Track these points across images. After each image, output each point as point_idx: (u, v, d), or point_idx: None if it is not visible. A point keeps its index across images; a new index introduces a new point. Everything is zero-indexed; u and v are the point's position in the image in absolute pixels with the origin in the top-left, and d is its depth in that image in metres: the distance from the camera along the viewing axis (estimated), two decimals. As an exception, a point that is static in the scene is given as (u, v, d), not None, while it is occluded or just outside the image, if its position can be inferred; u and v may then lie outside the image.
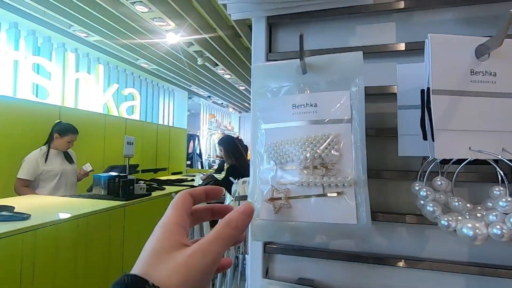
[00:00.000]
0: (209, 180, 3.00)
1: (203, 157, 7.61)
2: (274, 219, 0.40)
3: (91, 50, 4.35)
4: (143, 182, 2.87)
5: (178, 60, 4.67)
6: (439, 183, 0.40)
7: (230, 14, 0.62)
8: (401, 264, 0.54)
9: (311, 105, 0.40)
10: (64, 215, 1.80)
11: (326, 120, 0.40)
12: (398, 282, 0.55)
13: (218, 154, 7.34)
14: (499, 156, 0.33)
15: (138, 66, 5.05)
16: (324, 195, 0.38)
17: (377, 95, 0.56)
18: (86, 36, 3.81)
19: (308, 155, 0.39)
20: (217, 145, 5.52)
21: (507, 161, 0.33)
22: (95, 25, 3.32)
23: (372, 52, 0.57)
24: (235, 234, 0.27)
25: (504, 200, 0.32)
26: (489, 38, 0.34)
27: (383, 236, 0.56)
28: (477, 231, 0.32)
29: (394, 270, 0.55)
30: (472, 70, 0.35)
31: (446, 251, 0.54)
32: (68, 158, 2.63)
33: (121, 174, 2.63)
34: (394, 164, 0.55)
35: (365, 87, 0.55)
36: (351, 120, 0.39)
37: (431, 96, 0.34)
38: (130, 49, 4.13)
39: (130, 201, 2.45)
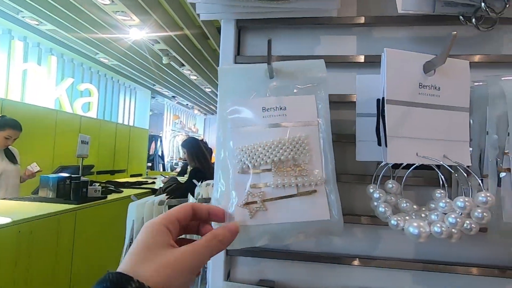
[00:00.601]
0: (171, 182, 2.89)
1: (166, 159, 7.35)
2: (250, 224, 0.39)
3: (42, 39, 3.99)
4: (98, 184, 2.68)
5: (142, 58, 4.48)
6: (391, 186, 0.43)
7: (199, 15, 0.61)
8: (356, 263, 0.57)
9: (281, 108, 0.41)
10: (3, 220, 1.61)
11: (295, 123, 0.41)
12: (354, 280, 0.58)
13: (181, 157, 7.14)
14: (441, 162, 0.37)
15: (97, 60, 4.74)
16: (297, 195, 0.39)
17: (338, 103, 0.59)
18: (37, 24, 3.48)
19: (282, 157, 0.39)
20: (180, 147, 5.37)
21: (448, 167, 0.37)
22: (48, 13, 3.05)
23: (335, 62, 0.60)
24: (221, 247, 0.29)
25: (443, 201, 0.35)
26: (435, 56, 0.38)
27: (341, 237, 0.59)
28: (421, 229, 0.35)
29: (350, 268, 0.59)
30: (420, 84, 0.39)
31: (396, 249, 0.58)
32: (10, 156, 2.36)
33: (73, 176, 2.43)
34: (352, 168, 0.59)
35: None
36: (318, 123, 0.41)
37: (385, 105, 0.37)
38: (88, 42, 3.86)
39: (83, 204, 2.27)
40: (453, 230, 0.36)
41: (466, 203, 0.34)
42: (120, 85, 5.83)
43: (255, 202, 0.38)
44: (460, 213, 0.34)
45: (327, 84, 0.42)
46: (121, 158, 5.03)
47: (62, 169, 2.89)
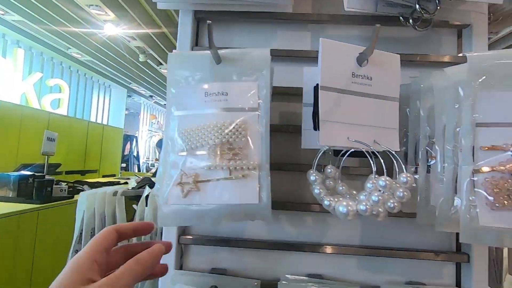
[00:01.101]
0: (145, 182, 2.83)
1: (141, 160, 7.15)
2: (183, 203, 0.40)
3: (8, 30, 3.77)
4: (65, 183, 2.56)
5: (118, 54, 4.36)
6: (329, 171, 0.45)
7: (156, 3, 0.61)
8: (306, 249, 0.59)
9: (222, 94, 0.43)
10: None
11: (235, 108, 0.42)
12: (304, 267, 0.60)
13: (157, 157, 6.98)
14: (371, 147, 0.40)
15: (69, 55, 4.55)
16: (230, 178, 0.40)
17: (292, 95, 0.61)
18: (3, 14, 3.30)
19: (217, 140, 0.40)
20: (156, 147, 5.25)
21: (376, 152, 0.40)
22: (15, 2, 2.90)
23: (290, 56, 0.62)
24: (143, 271, 0.29)
25: (370, 182, 0.38)
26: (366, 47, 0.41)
27: (291, 224, 0.61)
28: (349, 208, 0.37)
29: (300, 255, 0.60)
30: (353, 73, 0.41)
31: (343, 236, 0.61)
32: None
33: (36, 174, 2.31)
34: (302, 158, 0.61)
35: (280, 87, 0.60)
36: (258, 109, 0.42)
37: (319, 91, 0.39)
38: (59, 35, 3.71)
39: (46, 204, 2.16)
40: (379, 209, 0.38)
41: (387, 182, 0.36)
42: (94, 82, 5.63)
43: (188, 183, 0.39)
44: (382, 192, 0.37)
45: (269, 73, 0.44)
46: (93, 158, 4.83)
47: (24, 167, 2.74)
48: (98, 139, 4.98)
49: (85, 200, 0.64)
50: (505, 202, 0.37)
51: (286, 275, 0.58)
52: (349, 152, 0.42)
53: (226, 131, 0.41)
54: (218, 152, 0.40)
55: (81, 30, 3.55)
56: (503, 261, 0.65)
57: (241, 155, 0.40)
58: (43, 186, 2.20)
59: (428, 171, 0.48)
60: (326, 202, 0.40)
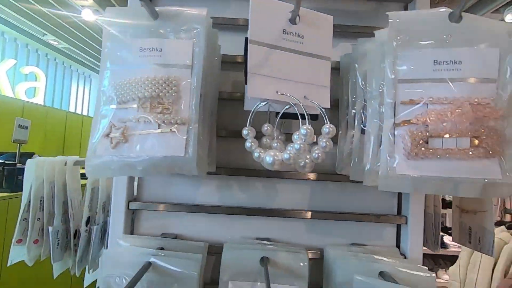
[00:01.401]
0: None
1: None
2: (111, 154, 0.41)
3: (-22, 14, 3.60)
4: (38, 172, 2.49)
5: (98, 43, 4.23)
6: (265, 128, 0.47)
7: None
8: (254, 213, 0.61)
9: (157, 50, 0.43)
10: None
11: (169, 65, 0.42)
12: (252, 230, 0.62)
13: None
14: (300, 102, 0.41)
15: (45, 42, 4.39)
16: (158, 131, 0.40)
17: (237, 64, 0.62)
18: (-30, -4, 3.14)
19: (147, 94, 0.41)
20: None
21: (306, 113, 0.42)
22: (-17, -17, 2.76)
23: (243, 25, 0.63)
24: None
25: (296, 133, 0.39)
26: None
27: (241, 190, 0.63)
28: (275, 157, 0.39)
29: (249, 219, 0.62)
30: (284, 30, 0.42)
31: (290, 201, 0.62)
32: None
33: (7, 162, 2.23)
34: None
35: (231, 55, 0.61)
36: (190, 67, 0.43)
37: (248, 44, 0.40)
38: (34, 20, 3.56)
39: (18, 193, 2.10)
40: (306, 160, 0.40)
41: (308, 130, 0.38)
42: (73, 71, 5.45)
43: (117, 135, 0.39)
44: (304, 140, 0.38)
45: (205, 32, 0.44)
46: (72, 148, 4.71)
47: (-5, 154, 2.64)
48: (77, 129, 4.85)
49: (33, 168, 0.62)
50: (420, 152, 0.40)
51: (233, 238, 0.59)
52: (284, 109, 0.44)
53: (157, 85, 0.41)
54: (148, 106, 0.41)
55: (57, 13, 3.42)
56: (440, 225, 0.69)
57: (171, 110, 0.41)
58: (14, 175, 2.14)
59: (362, 132, 0.50)
60: (255, 154, 0.42)
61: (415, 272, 0.50)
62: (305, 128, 0.38)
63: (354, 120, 0.53)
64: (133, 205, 0.60)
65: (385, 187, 0.41)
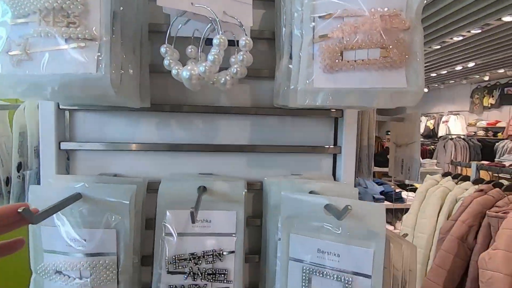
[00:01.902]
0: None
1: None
2: (13, 72, 0.38)
3: None
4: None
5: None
6: (189, 50, 0.46)
7: None
8: (195, 149, 0.61)
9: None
10: None
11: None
12: (194, 166, 0.63)
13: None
14: (217, 17, 0.40)
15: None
16: (65, 47, 0.38)
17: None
18: None
19: (47, 4, 0.37)
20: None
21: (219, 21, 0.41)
22: None
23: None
24: None
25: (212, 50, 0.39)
26: None
27: (181, 127, 0.62)
28: (192, 71, 0.38)
29: (190, 156, 0.62)
30: None
31: (230, 136, 0.63)
32: None
33: None
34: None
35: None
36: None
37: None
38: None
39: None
40: (226, 77, 0.40)
41: (221, 40, 0.37)
42: None
43: (18, 52, 0.36)
44: (218, 51, 0.38)
45: None
46: None
47: None
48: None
49: None
50: (335, 64, 0.41)
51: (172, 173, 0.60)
52: (206, 30, 0.42)
53: (60, -4, 0.38)
54: (51, 20, 0.38)
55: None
56: (373, 156, 0.74)
57: (77, 24, 0.38)
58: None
59: (290, 57, 0.51)
60: (174, 72, 0.41)
61: (342, 188, 0.54)
62: (218, 38, 0.37)
63: (284, 47, 0.53)
64: (66, 145, 0.57)
65: (303, 101, 0.42)
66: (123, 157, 0.61)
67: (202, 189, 0.54)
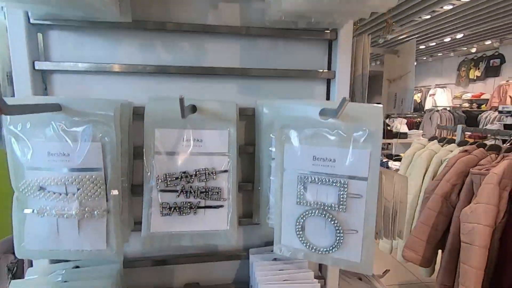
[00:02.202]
0: None
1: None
2: None
3: None
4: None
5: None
6: None
7: None
8: (182, 72, 0.58)
9: None
10: None
11: None
12: (181, 92, 0.58)
13: None
14: None
15: None
16: None
17: None
18: None
19: None
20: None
21: None
22: None
23: None
24: None
25: None
26: None
27: (167, 48, 0.58)
28: None
29: (177, 79, 0.59)
30: None
31: (220, 59, 0.60)
32: None
33: None
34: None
35: None
36: None
37: None
38: None
39: None
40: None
41: None
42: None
43: None
44: None
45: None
46: None
47: None
48: None
49: None
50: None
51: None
52: None
53: None
54: None
55: None
56: (367, 86, 0.73)
57: None
58: None
59: None
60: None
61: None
62: None
63: None
64: (41, 65, 0.53)
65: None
66: (104, 80, 0.57)
67: (192, 108, 0.51)
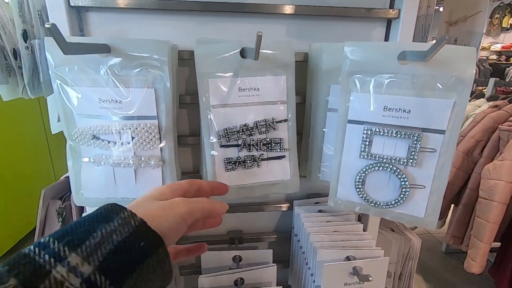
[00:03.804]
0: None
1: None
2: None
3: None
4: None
5: None
6: None
7: None
8: (230, 10, 0.51)
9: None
10: None
11: None
12: (230, 34, 0.54)
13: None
14: None
15: None
16: None
17: None
18: None
19: None
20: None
21: None
22: None
23: None
24: (210, 208, 0.30)
25: None
26: None
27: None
28: None
29: (224, 19, 0.53)
30: None
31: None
32: None
33: None
34: None
35: None
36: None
37: None
38: None
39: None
40: None
41: None
42: None
43: None
44: None
45: None
46: None
47: None
48: None
49: None
50: None
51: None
52: None
53: None
54: None
55: None
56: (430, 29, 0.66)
57: None
58: None
59: None
60: None
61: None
62: None
63: None
64: (76, 1, 0.47)
65: None
66: (145, 20, 0.51)
67: (247, 52, 0.46)
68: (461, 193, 1.73)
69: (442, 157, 0.41)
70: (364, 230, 0.67)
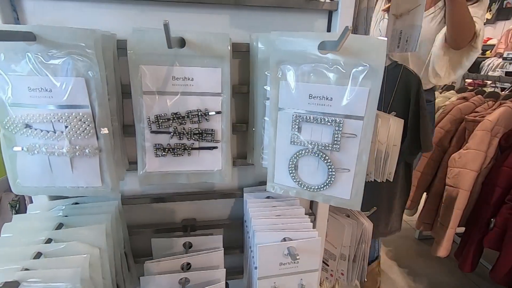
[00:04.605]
0: None
1: None
2: None
3: None
4: None
5: None
6: None
7: None
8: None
9: None
10: None
11: None
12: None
13: None
14: None
15: None
16: None
17: None
18: None
19: None
20: None
21: None
22: None
23: None
24: None
25: None
26: None
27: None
28: None
29: (161, 9, 0.54)
30: None
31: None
32: None
33: None
34: None
35: None
36: None
37: None
38: None
39: None
40: None
41: None
42: None
43: None
44: None
45: None
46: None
47: None
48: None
49: None
50: None
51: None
52: None
53: None
54: None
55: None
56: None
57: None
58: None
59: None
60: None
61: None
62: None
63: None
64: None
65: None
66: (82, 7, 0.51)
67: (180, 41, 0.47)
68: (432, 182, 1.80)
69: (362, 141, 0.43)
70: (313, 214, 0.70)
